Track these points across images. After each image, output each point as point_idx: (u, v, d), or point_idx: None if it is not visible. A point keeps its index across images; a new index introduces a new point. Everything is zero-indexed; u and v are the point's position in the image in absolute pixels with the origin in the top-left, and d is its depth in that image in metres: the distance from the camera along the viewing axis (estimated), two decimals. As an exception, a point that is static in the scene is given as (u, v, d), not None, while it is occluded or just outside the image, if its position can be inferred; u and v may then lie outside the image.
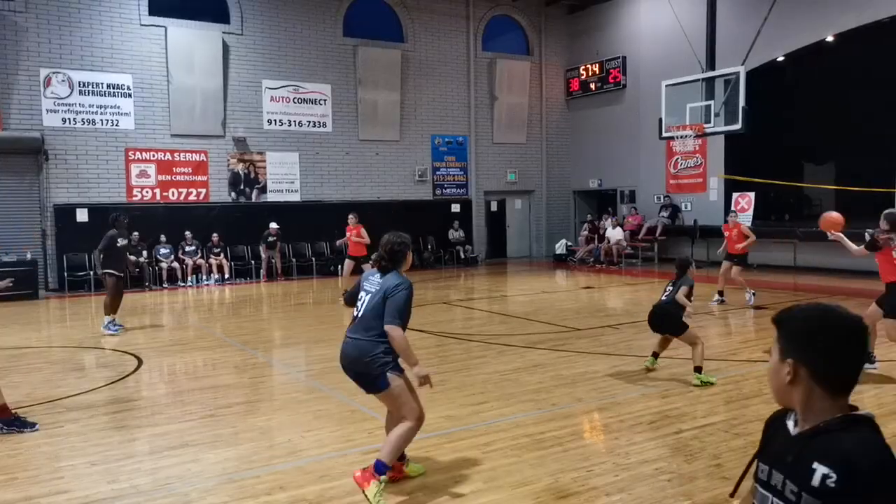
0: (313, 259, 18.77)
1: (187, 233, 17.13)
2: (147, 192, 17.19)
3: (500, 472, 4.66)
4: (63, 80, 16.13)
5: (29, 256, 15.20)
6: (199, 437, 5.56)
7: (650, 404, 6.16)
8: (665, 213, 19.98)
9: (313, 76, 19.21)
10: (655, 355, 7.35)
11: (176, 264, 16.93)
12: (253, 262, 18.05)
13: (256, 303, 14.47)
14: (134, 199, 16.99)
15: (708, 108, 14.27)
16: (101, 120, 16.60)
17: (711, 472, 4.62)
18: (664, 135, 15.33)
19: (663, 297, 7.14)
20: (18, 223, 15.71)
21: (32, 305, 14.01)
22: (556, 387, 6.82)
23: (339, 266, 18.82)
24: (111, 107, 16.70)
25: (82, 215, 16.28)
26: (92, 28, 16.41)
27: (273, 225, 17.70)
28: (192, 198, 17.71)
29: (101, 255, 10.32)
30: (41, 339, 10.28)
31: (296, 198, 19.11)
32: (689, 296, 6.96)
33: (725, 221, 12.89)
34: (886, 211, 7.25)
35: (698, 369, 6.77)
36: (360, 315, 4.38)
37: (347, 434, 5.54)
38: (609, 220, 19.93)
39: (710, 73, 14.67)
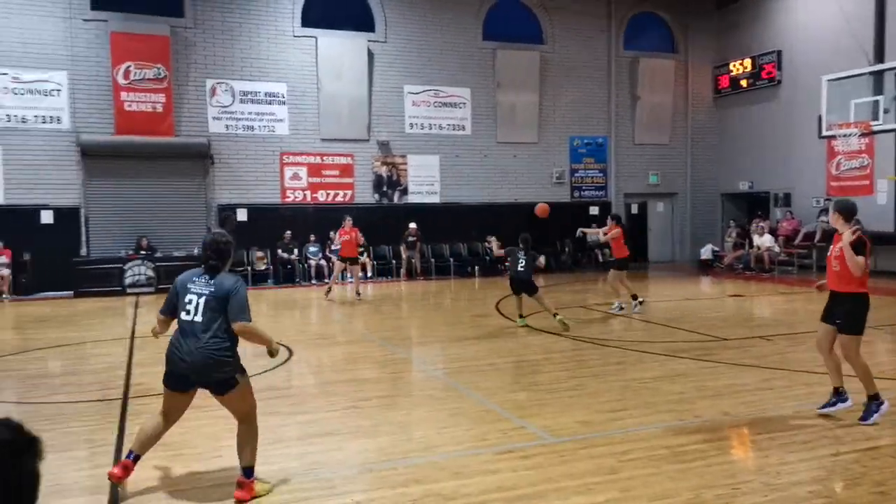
0: (451, 260, 19.13)
1: (332, 233, 17.98)
2: (298, 193, 18.25)
3: (637, 483, 4.53)
4: (226, 90, 17.49)
5: (196, 252, 16.63)
6: (342, 426, 5.84)
7: (805, 422, 5.75)
8: (825, 218, 18.50)
9: (453, 80, 19.57)
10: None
11: (323, 262, 17.85)
12: (394, 261, 18.68)
13: (396, 301, 14.95)
14: (287, 199, 18.10)
15: (876, 103, 13.14)
16: (259, 126, 17.83)
17: (875, 501, 4.24)
18: (824, 133, 14.27)
19: None
20: (187, 221, 17.20)
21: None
22: (700, 398, 6.53)
23: (471, 267, 19.12)
24: (268, 114, 17.90)
25: (242, 215, 17.58)
26: (251, 41, 17.67)
27: (412, 225, 18.24)
28: (338, 199, 18.59)
29: None
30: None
31: (435, 199, 19.55)
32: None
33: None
34: (837, 200, 6.30)
35: None
36: (195, 319, 4.30)
37: (482, 433, 5.60)
38: (758, 224, 18.76)
39: (879, 66, 13.49)
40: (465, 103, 19.75)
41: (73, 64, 16.15)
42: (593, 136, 21.29)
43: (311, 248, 17.96)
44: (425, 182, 19.51)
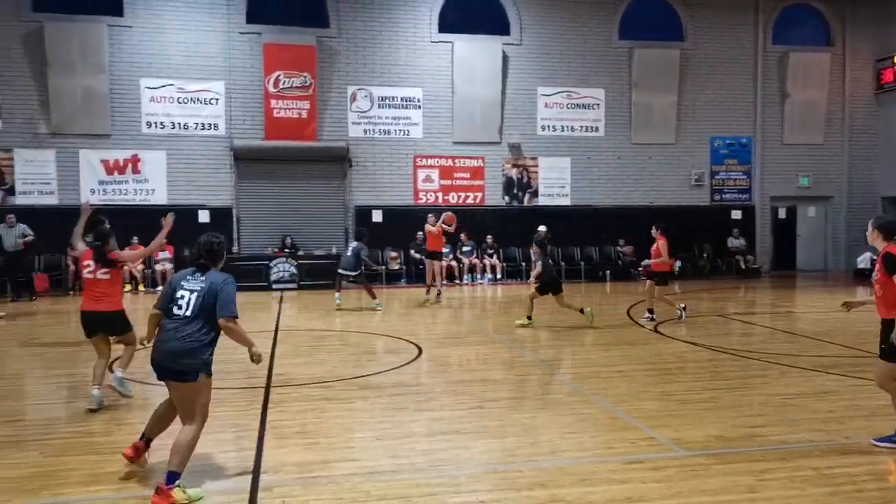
0: (582, 263, 18.83)
1: (463, 234, 18.27)
2: (431, 195, 18.67)
3: (778, 504, 4.27)
4: (365, 96, 18.20)
5: (334, 251, 17.44)
6: (469, 426, 5.92)
7: (976, 452, 5.18)
8: None
9: (587, 81, 19.26)
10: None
11: (454, 263, 18.15)
12: (523, 263, 18.64)
13: (525, 303, 14.89)
14: (420, 201, 18.56)
15: None
16: (395, 130, 18.41)
17: None
18: None
19: None
20: (326, 222, 18.06)
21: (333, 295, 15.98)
22: (851, 418, 6.04)
23: (601, 272, 18.70)
24: (403, 118, 18.45)
25: (377, 216, 18.24)
26: (390, 48, 18.28)
27: (542, 228, 18.11)
28: (469, 201, 18.82)
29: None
30: (341, 324, 11.70)
31: (566, 202, 19.33)
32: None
33: None
34: (877, 216, 5.73)
35: None
36: (185, 313, 4.45)
37: (608, 441, 5.48)
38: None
39: None
40: (598, 104, 19.38)
41: (230, 74, 17.42)
42: (736, 136, 20.20)
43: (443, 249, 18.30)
44: (556, 184, 19.34)
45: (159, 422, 4.88)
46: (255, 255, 17.20)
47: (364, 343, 9.98)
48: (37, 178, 16.61)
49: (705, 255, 19.59)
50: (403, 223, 18.12)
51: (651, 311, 11.32)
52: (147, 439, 4.86)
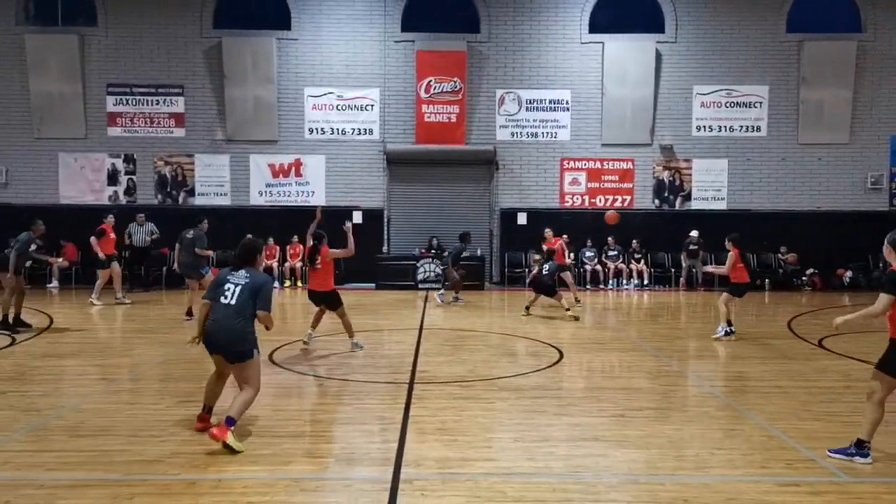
0: (738, 271, 17.78)
1: (610, 238, 17.86)
2: (577, 198, 18.42)
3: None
4: (513, 99, 18.29)
5: (479, 253, 17.72)
6: (610, 434, 5.79)
7: None
8: None
9: (748, 78, 18.18)
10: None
11: (599, 267, 17.79)
12: (672, 269, 17.93)
13: (674, 311, 14.34)
14: (566, 204, 18.37)
15: None
16: (542, 133, 18.35)
17: None
18: None
19: None
20: (472, 223, 18.33)
21: (479, 295, 16.23)
22: None
23: (760, 280, 17.54)
24: (551, 120, 18.34)
25: (522, 219, 18.28)
26: (539, 50, 18.24)
27: (694, 233, 17.33)
28: (617, 204, 18.37)
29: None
30: (483, 325, 11.84)
31: (721, 206, 18.35)
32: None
33: None
34: (892, 232, 5.37)
35: None
36: (231, 302, 5.42)
37: (762, 460, 5.16)
38: None
39: None
40: (761, 102, 18.22)
41: (385, 81, 18.18)
42: (923, 135, 18.23)
43: (588, 253, 17.99)
44: (711, 187, 18.40)
45: (212, 393, 5.80)
46: (402, 255, 17.81)
47: (505, 344, 10.04)
48: (213, 180, 18.22)
49: (881, 265, 17.81)
50: (548, 226, 17.99)
51: (730, 322, 10.53)
52: (208, 409, 5.79)
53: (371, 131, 18.27)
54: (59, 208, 17.66)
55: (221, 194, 18.23)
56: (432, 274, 17.16)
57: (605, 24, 18.25)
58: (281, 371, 8.14)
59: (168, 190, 18.18)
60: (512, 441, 5.60)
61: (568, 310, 12.28)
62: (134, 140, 18.09)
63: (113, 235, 14.23)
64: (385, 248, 18.20)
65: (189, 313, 11.68)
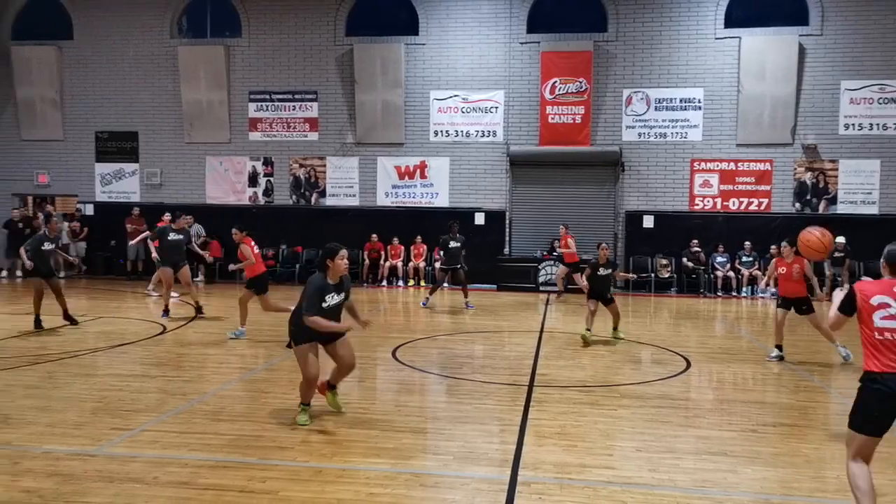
0: (890, 281, 16.33)
1: (746, 243, 16.95)
2: (708, 201, 17.61)
3: None
4: (641, 98, 17.77)
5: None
6: (739, 449, 5.52)
7: None
8: None
9: (907, 71, 16.68)
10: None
11: (731, 273, 16.92)
12: (815, 277, 16.70)
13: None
14: (695, 207, 17.62)
15: None
16: (671, 133, 17.70)
17: None
18: None
19: None
20: (595, 226, 17.97)
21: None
22: None
23: None
24: (681, 120, 17.65)
25: (648, 222, 17.71)
26: (670, 47, 17.61)
27: (840, 239, 16.08)
28: (752, 207, 17.40)
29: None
30: (605, 330, 11.56)
31: (872, 210, 16.94)
32: None
33: None
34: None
35: None
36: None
37: (914, 488, 4.73)
38: None
39: None
40: (920, 97, 16.65)
41: (509, 83, 18.20)
42: None
43: (719, 259, 17.16)
44: (860, 190, 17.00)
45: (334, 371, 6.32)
46: (524, 257, 17.76)
47: (629, 351, 9.78)
48: (343, 182, 18.96)
49: None
50: (676, 230, 17.37)
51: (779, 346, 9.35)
52: (330, 384, 6.34)
53: (495, 133, 18.35)
54: (205, 208, 19.02)
55: (350, 195, 18.94)
56: (553, 276, 17.00)
57: (743, 17, 17.33)
58: (403, 368, 8.36)
59: (302, 191, 19.11)
60: (634, 450, 5.46)
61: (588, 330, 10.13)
62: (272, 144, 19.17)
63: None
64: (506, 250, 18.22)
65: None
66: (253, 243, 10.05)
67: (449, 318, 12.78)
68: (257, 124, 19.13)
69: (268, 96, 19.04)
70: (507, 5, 18.08)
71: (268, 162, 19.17)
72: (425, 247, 18.10)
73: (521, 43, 18.10)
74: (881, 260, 4.25)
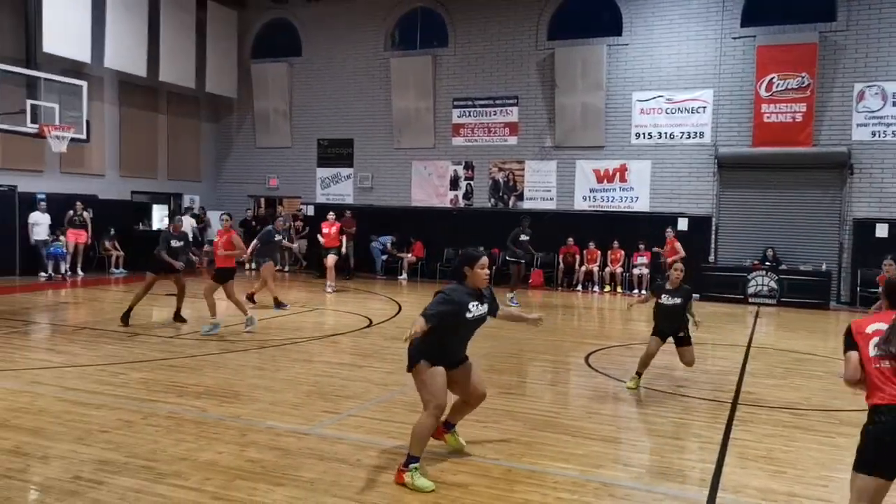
0: None
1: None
2: (960, 208, 15.30)
3: None
4: (876, 93, 15.87)
5: (824, 268, 15.77)
6: None
7: None
8: None
9: None
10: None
11: None
12: None
13: None
14: (942, 215, 15.40)
15: None
16: (914, 131, 15.63)
17: None
18: None
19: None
20: (817, 235, 16.39)
21: (822, 315, 14.45)
22: None
23: None
24: (927, 116, 15.53)
25: (882, 230, 15.77)
26: (914, 34, 15.56)
27: None
28: None
29: None
30: (826, 349, 10.52)
31: None
32: None
33: None
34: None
35: None
36: None
37: None
38: None
39: None
40: None
41: (719, 81, 17.16)
42: None
43: (973, 275, 14.82)
44: None
45: (452, 409, 5.26)
46: (731, 265, 16.65)
47: (853, 374, 8.78)
48: (541, 185, 19.04)
49: None
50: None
51: None
52: (446, 423, 5.23)
53: (702, 134, 17.39)
54: (410, 210, 20.10)
55: (548, 199, 18.96)
56: (765, 288, 15.75)
57: None
58: (596, 375, 8.23)
59: (500, 194, 19.48)
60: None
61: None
62: (473, 148, 19.75)
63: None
64: (711, 258, 17.19)
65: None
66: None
67: (646, 327, 12.33)
68: (460, 130, 19.82)
69: (470, 102, 19.65)
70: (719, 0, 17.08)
71: (468, 166, 19.78)
72: (623, 252, 17.63)
73: (734, 38, 16.99)
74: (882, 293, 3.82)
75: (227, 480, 4.63)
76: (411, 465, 4.61)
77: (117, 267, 18.11)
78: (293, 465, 4.96)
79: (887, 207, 15.85)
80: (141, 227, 20.58)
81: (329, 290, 15.32)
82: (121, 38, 17.65)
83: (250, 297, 12.74)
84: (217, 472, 4.77)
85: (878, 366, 3.51)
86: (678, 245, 15.53)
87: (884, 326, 3.52)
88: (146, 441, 5.36)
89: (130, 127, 19.84)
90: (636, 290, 16.86)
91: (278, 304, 12.59)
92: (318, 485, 4.61)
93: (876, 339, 3.51)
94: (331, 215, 16.26)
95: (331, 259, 15.59)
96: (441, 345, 4.81)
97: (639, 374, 7.51)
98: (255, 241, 13.04)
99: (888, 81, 15.77)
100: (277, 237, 13.12)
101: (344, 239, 16.55)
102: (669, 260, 14.27)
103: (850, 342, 3.65)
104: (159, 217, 21.92)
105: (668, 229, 16.11)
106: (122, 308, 10.71)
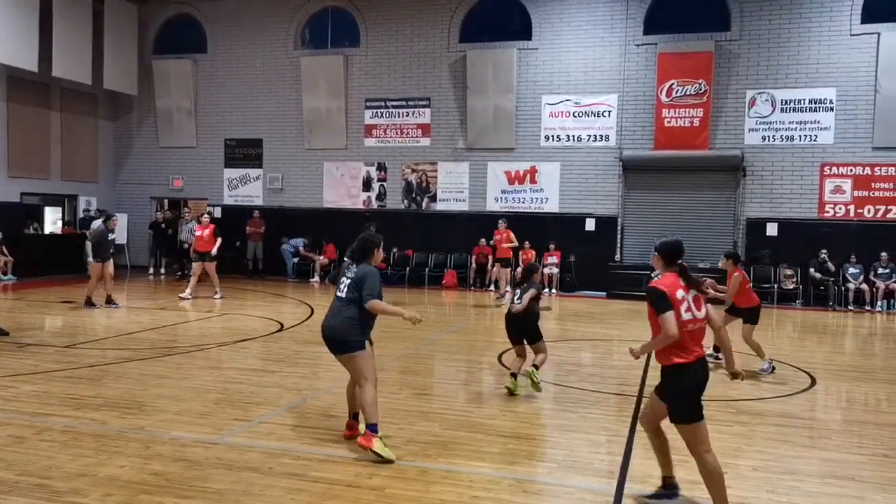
0: None
1: (883, 254, 15.72)
2: (840, 208, 16.46)
3: None
4: (766, 100, 16.87)
5: (720, 265, 16.55)
6: (870, 474, 5.13)
7: None
8: None
9: None
10: (515, 376, 7.22)
11: (865, 286, 15.74)
12: (963, 293, 15.26)
13: (962, 342, 12.22)
14: (825, 215, 16.53)
15: None
16: (799, 136, 16.69)
17: None
18: None
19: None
20: (713, 234, 17.23)
21: (720, 308, 15.18)
22: None
23: None
24: (810, 122, 16.61)
25: (772, 230, 16.77)
26: (799, 45, 16.62)
27: None
28: (890, 215, 16.12)
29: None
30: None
31: None
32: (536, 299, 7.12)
33: None
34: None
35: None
36: (341, 295, 5.30)
37: None
38: None
39: None
40: None
41: (624, 86, 17.79)
42: None
43: (851, 270, 15.99)
44: None
45: (353, 398, 5.57)
46: (636, 264, 17.28)
47: (747, 365, 9.28)
48: (454, 187, 19.17)
49: None
50: (802, 238, 16.37)
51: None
52: (353, 415, 5.64)
53: (607, 138, 17.98)
54: (322, 212, 19.81)
55: (460, 200, 19.12)
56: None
57: (882, 12, 16.07)
58: (508, 373, 8.34)
59: (413, 196, 19.49)
60: (750, 469, 5.20)
61: (537, 366, 7.32)
62: (386, 150, 19.67)
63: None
64: (618, 257, 17.80)
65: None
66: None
67: (557, 325, 12.65)
68: (372, 131, 19.70)
69: (383, 103, 19.56)
70: (623, 7, 17.70)
71: (381, 167, 19.69)
72: (534, 252, 17.98)
73: (637, 45, 17.65)
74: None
75: (129, 495, 4.41)
76: (379, 434, 5.11)
77: (5, 274, 16.97)
78: (200, 476, 4.78)
79: (777, 208, 16.86)
80: (32, 230, 19.37)
81: (188, 297, 14.21)
82: (8, 31, 16.55)
83: (109, 301, 12.92)
84: (118, 487, 4.54)
85: (689, 328, 4.27)
86: (512, 235, 16.34)
87: (682, 294, 4.32)
88: (40, 458, 5.03)
89: (19, 125, 18.63)
90: (546, 289, 17.25)
91: (89, 304, 12.71)
92: (227, 496, 4.47)
93: (685, 304, 4.26)
94: (205, 217, 15.26)
95: (196, 267, 14.60)
96: (371, 325, 5.39)
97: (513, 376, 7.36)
98: (88, 242, 13.74)
99: (777, 89, 16.79)
100: (111, 236, 13.57)
101: (219, 241, 14.89)
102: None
103: (668, 304, 4.27)
104: (52, 220, 20.71)
105: (501, 220, 16.74)
106: (11, 318, 10.05)
